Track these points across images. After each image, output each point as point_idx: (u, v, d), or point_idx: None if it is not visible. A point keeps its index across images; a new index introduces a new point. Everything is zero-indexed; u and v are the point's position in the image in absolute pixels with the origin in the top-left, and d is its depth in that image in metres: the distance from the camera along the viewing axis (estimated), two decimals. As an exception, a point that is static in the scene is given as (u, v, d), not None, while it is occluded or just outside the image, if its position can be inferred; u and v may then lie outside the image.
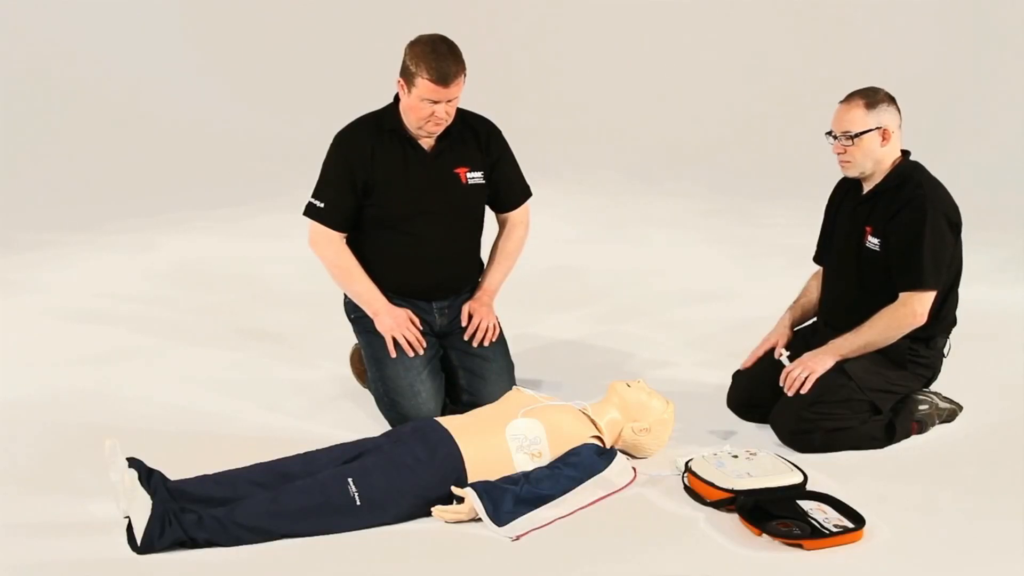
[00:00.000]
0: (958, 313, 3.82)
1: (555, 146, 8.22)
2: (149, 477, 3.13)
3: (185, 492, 3.13)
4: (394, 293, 3.88)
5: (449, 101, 3.64)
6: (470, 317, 3.91)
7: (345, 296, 4.00)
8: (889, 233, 3.62)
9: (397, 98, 3.78)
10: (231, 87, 9.04)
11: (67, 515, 3.18)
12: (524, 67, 9.25)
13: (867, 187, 3.72)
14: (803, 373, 3.61)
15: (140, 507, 2.97)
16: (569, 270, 5.80)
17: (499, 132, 3.95)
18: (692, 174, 8.03)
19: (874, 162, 3.64)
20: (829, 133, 3.67)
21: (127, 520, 3.02)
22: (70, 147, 8.17)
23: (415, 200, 3.80)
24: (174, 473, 3.21)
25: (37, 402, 4.03)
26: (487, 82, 9.08)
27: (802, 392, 3.60)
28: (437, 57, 3.59)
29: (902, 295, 3.61)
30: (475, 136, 3.87)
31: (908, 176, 3.65)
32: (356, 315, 3.96)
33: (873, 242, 3.66)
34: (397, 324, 3.80)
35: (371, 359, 3.86)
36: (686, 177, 7.97)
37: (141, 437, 3.61)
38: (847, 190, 3.83)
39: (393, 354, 3.78)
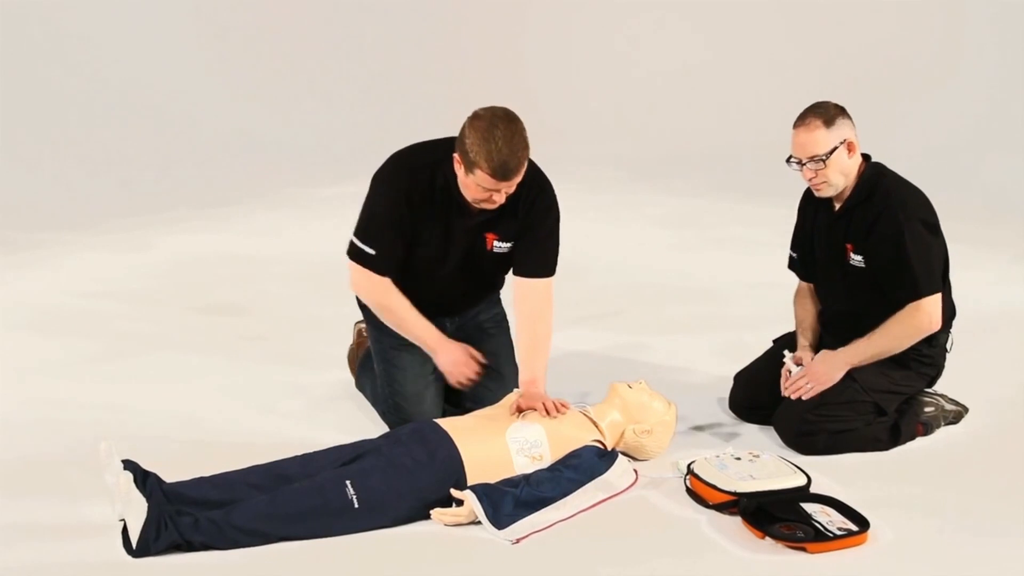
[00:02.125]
0: (960, 311, 3.79)
1: (557, 145, 8.18)
2: (144, 479, 3.10)
3: (181, 495, 3.10)
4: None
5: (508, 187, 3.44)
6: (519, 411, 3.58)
7: None
8: (870, 250, 3.60)
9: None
10: (226, 84, 9.01)
11: (61, 518, 3.15)
12: (528, 65, 9.24)
13: (838, 203, 3.68)
14: (808, 384, 3.58)
15: (135, 510, 2.93)
16: (570, 270, 5.74)
17: (545, 205, 3.63)
18: (694, 173, 8.01)
19: (845, 177, 3.60)
20: (790, 160, 3.61)
21: (122, 523, 2.99)
22: (64, 146, 8.13)
23: (439, 260, 3.66)
24: (170, 475, 3.18)
25: (30, 403, 3.99)
26: (491, 80, 9.13)
27: (803, 399, 3.57)
28: (499, 150, 3.31)
29: (908, 306, 3.58)
30: (516, 204, 3.57)
31: (875, 184, 3.61)
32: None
33: (856, 259, 3.64)
34: (456, 365, 3.60)
35: (380, 356, 3.79)
36: (688, 176, 7.95)
37: (136, 439, 3.57)
38: (818, 202, 3.75)
39: (456, 385, 3.64)
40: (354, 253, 3.62)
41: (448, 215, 3.57)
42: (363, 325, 4.16)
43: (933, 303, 3.57)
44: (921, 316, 3.56)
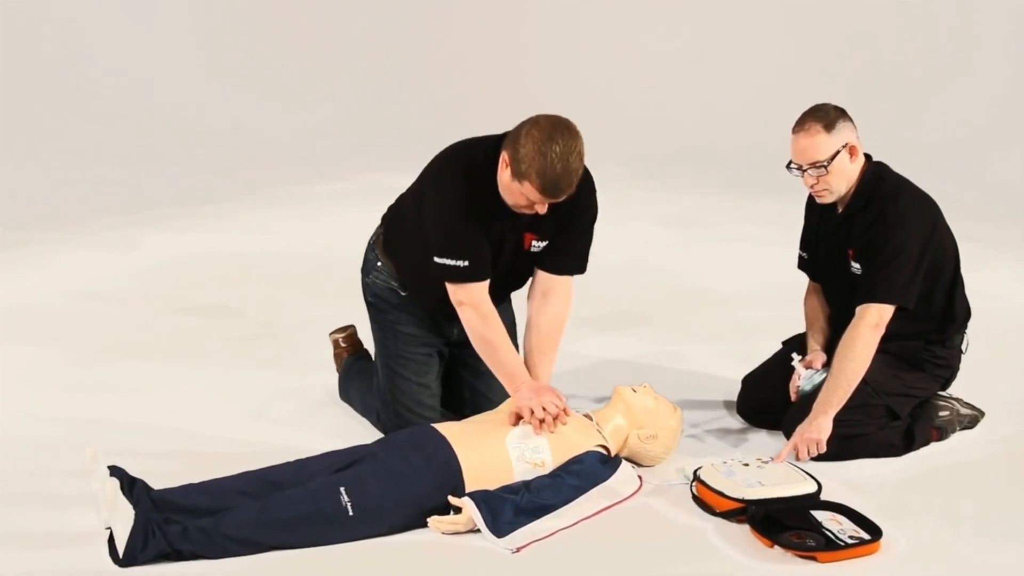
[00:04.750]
0: (975, 311, 3.73)
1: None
2: (132, 486, 3.05)
3: (169, 502, 3.05)
4: (420, 308, 3.66)
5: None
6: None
7: (364, 277, 3.76)
8: (863, 257, 3.54)
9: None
10: (217, 80, 9.02)
11: (46, 526, 3.10)
12: (531, 62, 9.27)
13: (841, 207, 3.62)
14: (810, 447, 3.47)
15: (122, 518, 2.88)
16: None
17: (586, 202, 3.50)
18: (698, 171, 8.02)
19: (847, 182, 3.54)
20: (791, 166, 3.53)
21: (108, 531, 2.93)
22: (49, 142, 8.09)
23: None
24: (158, 482, 3.13)
25: (14, 409, 3.93)
26: (493, 76, 9.11)
27: (820, 452, 3.47)
28: (553, 167, 3.16)
29: (856, 312, 3.49)
30: (559, 206, 3.38)
31: (874, 189, 3.54)
32: (374, 300, 3.72)
33: (856, 266, 3.59)
34: (540, 393, 3.35)
35: (384, 363, 3.70)
36: (692, 174, 7.96)
37: (123, 444, 3.54)
38: (821, 204, 3.68)
39: (530, 422, 3.38)
40: (447, 273, 3.41)
41: (491, 214, 3.40)
42: (338, 336, 4.12)
43: (881, 311, 3.46)
44: (861, 325, 3.44)
